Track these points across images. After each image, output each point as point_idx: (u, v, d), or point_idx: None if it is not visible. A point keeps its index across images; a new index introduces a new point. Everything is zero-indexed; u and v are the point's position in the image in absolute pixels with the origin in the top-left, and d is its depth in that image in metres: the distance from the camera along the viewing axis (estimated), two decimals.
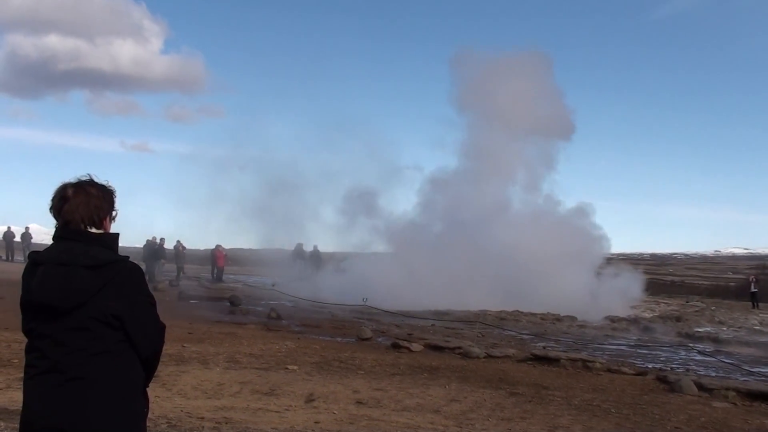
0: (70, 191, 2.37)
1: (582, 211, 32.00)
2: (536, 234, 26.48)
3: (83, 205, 2.35)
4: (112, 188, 2.48)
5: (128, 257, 2.37)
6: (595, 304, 24.58)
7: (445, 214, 29.29)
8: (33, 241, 32.01)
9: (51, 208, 2.39)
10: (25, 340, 2.36)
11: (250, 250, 37.36)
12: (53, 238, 2.37)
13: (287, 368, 9.48)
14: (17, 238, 33.15)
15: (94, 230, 2.37)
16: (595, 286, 27.38)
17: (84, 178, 2.43)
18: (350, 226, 31.00)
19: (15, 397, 6.17)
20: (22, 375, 2.39)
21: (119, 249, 2.47)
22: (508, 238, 25.98)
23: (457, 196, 29.90)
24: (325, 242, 33.34)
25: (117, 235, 2.45)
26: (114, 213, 2.47)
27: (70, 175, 2.43)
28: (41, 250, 2.38)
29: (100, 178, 2.46)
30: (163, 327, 2.46)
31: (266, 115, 68.74)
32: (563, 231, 28.02)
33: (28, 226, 33.30)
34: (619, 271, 30.94)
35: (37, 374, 2.26)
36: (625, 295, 28.22)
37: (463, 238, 26.02)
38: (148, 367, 2.43)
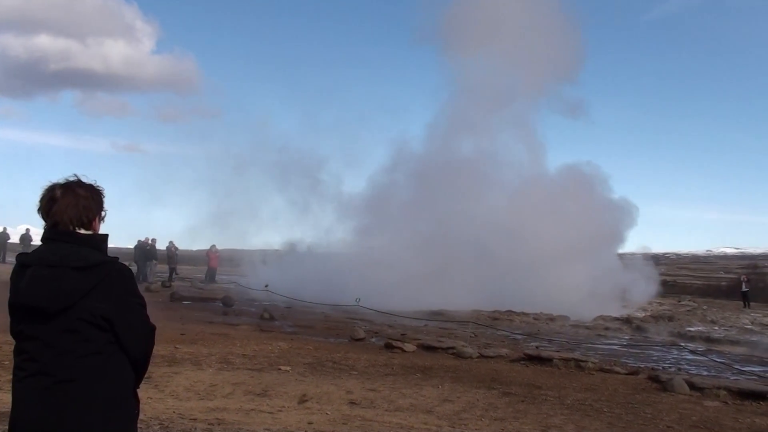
0: (58, 192, 2.35)
1: (591, 179, 27.58)
2: (526, 213, 24.31)
3: (72, 206, 2.34)
4: (100, 188, 2.46)
5: (117, 258, 2.36)
6: (597, 302, 23.93)
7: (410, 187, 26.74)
8: (33, 243, 31.86)
9: (39, 210, 2.37)
10: (15, 342, 2.35)
11: (243, 250, 37.33)
12: (42, 240, 2.35)
13: (280, 369, 9.47)
14: (13, 239, 33.01)
15: (83, 231, 2.36)
16: (604, 281, 25.51)
17: (72, 179, 2.41)
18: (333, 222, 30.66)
19: (4, 399, 6.13)
20: (11, 377, 2.38)
21: (109, 250, 2.46)
22: (489, 222, 24.05)
23: (427, 159, 27.06)
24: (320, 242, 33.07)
25: (106, 236, 2.44)
26: (103, 213, 2.46)
27: (61, 176, 2.42)
28: (29, 251, 2.37)
29: (88, 178, 2.45)
30: (153, 328, 2.45)
31: (258, 116, 68.65)
32: (563, 208, 25.31)
33: (28, 227, 33.19)
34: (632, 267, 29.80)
35: (26, 377, 2.25)
36: (633, 294, 27.43)
37: (439, 226, 24.40)
38: (138, 368, 2.42)
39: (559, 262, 24.39)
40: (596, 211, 27.44)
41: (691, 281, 45.51)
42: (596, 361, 11.64)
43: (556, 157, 63.35)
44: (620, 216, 28.63)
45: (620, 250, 31.83)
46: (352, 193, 31.04)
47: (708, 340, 18.52)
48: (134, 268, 23.95)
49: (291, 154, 34.13)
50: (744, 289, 32.95)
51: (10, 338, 2.37)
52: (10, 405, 2.32)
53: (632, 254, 36.91)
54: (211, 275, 30.36)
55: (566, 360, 11.39)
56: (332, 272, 25.30)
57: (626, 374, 10.81)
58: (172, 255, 29.11)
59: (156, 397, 7.23)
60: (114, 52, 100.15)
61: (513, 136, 29.21)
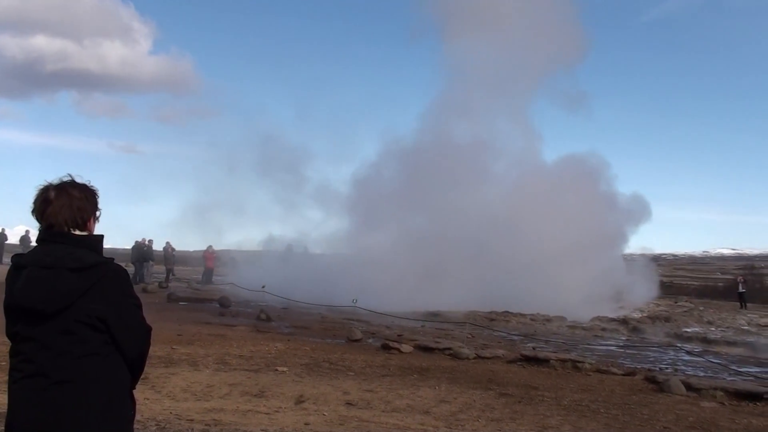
0: (52, 194, 2.34)
1: (594, 171, 26.26)
2: (525, 208, 23.64)
3: (66, 207, 2.33)
4: (94, 189, 2.44)
5: (113, 259, 2.35)
6: (594, 303, 23.73)
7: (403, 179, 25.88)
8: (32, 244, 31.61)
9: (33, 211, 2.36)
10: (11, 343, 2.34)
11: (240, 251, 37.28)
12: (37, 241, 2.35)
13: (277, 370, 9.45)
14: (11, 240, 32.87)
15: (77, 232, 2.35)
16: (600, 282, 25.00)
17: (65, 179, 2.40)
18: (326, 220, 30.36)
19: (2, 401, 6.11)
20: (7, 379, 2.37)
21: (106, 251, 2.45)
22: (486, 217, 23.38)
23: (420, 148, 26.01)
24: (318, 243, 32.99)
25: (101, 236, 2.42)
26: (98, 214, 2.45)
27: (58, 177, 2.40)
28: (24, 253, 2.36)
29: (82, 178, 2.43)
30: (149, 329, 2.44)
31: (254, 115, 68.66)
32: (563, 204, 24.38)
33: (28, 229, 32.98)
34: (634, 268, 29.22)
35: (22, 378, 2.24)
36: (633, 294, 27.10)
37: (433, 223, 23.76)
38: (135, 369, 2.41)
39: (557, 262, 24.04)
40: (599, 207, 26.61)
41: (688, 282, 45.60)
42: (593, 362, 11.66)
43: (553, 155, 63.30)
44: (625, 214, 28.03)
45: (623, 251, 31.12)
46: (345, 190, 30.71)
47: (705, 341, 18.57)
48: (131, 269, 23.87)
49: (285, 153, 34.05)
50: (741, 290, 33.00)
51: (6, 339, 2.36)
52: (6, 407, 2.32)
53: (631, 255, 36.82)
54: (207, 276, 30.32)
55: (563, 361, 11.40)
56: (326, 272, 25.19)
57: (623, 375, 10.82)
58: (169, 256, 29.06)
59: (153, 398, 7.22)
60: (111, 53, 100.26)
61: (510, 125, 28.27)
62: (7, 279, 2.33)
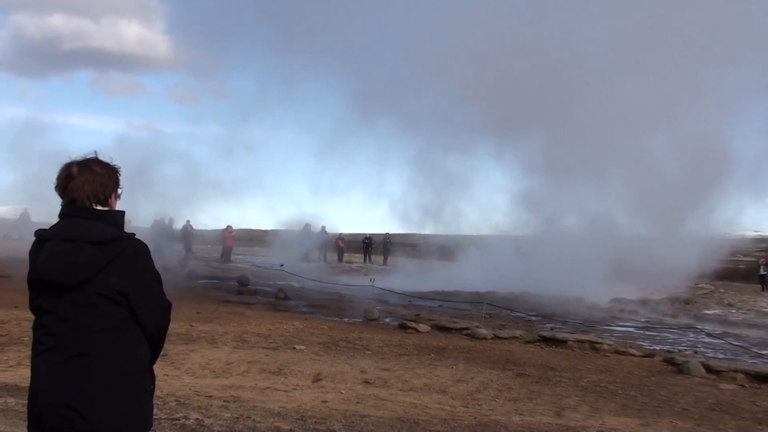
0: (74, 169, 2.36)
1: None
2: None
3: (88, 183, 2.35)
4: (116, 166, 2.47)
5: (134, 234, 2.36)
6: (613, 283, 23.41)
7: None
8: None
9: (56, 187, 2.38)
10: (34, 316, 2.37)
11: (259, 230, 37.52)
12: (59, 216, 2.36)
13: (295, 348, 9.53)
14: (39, 219, 33.28)
15: (99, 207, 2.37)
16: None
17: (89, 156, 2.42)
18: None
19: (26, 374, 6.19)
20: (30, 352, 2.40)
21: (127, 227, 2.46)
22: None
23: None
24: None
25: (123, 212, 2.45)
26: (119, 190, 2.47)
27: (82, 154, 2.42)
28: (47, 227, 2.38)
29: (105, 156, 2.45)
30: (168, 305, 2.46)
31: (271, 96, 68.51)
32: None
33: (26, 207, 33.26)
34: None
35: (43, 351, 2.27)
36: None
37: None
38: (154, 344, 2.43)
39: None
40: None
41: (709, 264, 45.04)
42: (611, 343, 11.62)
43: None
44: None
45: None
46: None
47: (725, 323, 18.38)
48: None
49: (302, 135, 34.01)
50: (762, 272, 32.53)
51: (30, 314, 2.39)
52: (30, 380, 2.34)
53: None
54: (226, 254, 30.56)
55: (581, 342, 11.37)
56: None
57: (642, 356, 10.78)
58: (188, 235, 29.28)
59: (172, 375, 7.32)
60: (128, 32, 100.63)
61: None
62: (30, 253, 2.36)
